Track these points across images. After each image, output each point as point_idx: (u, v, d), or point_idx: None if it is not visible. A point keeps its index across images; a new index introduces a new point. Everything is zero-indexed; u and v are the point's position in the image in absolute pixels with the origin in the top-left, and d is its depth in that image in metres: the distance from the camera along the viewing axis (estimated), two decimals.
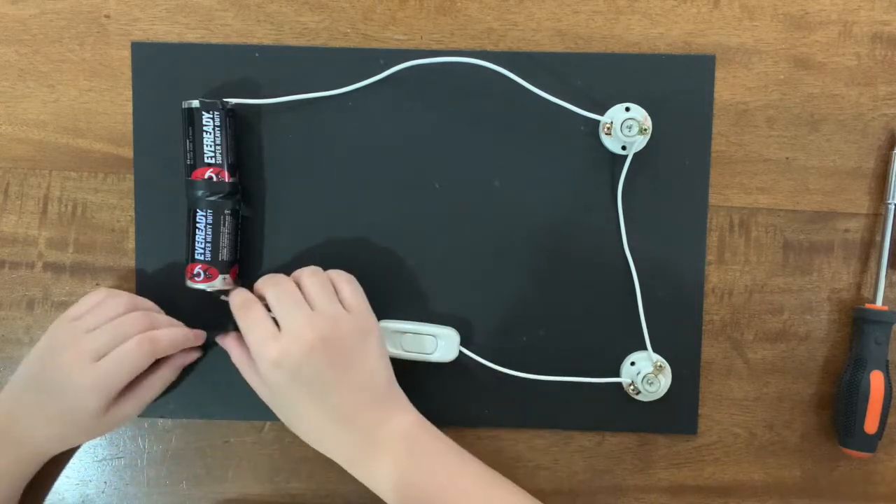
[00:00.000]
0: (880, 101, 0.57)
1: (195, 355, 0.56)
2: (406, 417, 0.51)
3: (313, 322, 0.49)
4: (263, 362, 0.49)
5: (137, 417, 0.58)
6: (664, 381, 0.56)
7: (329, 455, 0.51)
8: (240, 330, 0.52)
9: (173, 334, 0.52)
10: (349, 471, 0.50)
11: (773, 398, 0.58)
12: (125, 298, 0.53)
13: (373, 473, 0.49)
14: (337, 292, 0.52)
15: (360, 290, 0.53)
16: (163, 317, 0.54)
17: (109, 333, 0.50)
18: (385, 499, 0.49)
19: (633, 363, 0.56)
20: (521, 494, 0.50)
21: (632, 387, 0.56)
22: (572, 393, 0.57)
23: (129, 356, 0.50)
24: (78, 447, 0.56)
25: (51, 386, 0.50)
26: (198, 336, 0.54)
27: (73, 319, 0.52)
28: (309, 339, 0.48)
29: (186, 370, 0.57)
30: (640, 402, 0.57)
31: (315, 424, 0.50)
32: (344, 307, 0.51)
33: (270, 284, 0.51)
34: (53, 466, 0.54)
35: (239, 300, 0.52)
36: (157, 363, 0.53)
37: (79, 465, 0.58)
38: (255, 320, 0.51)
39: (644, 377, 0.55)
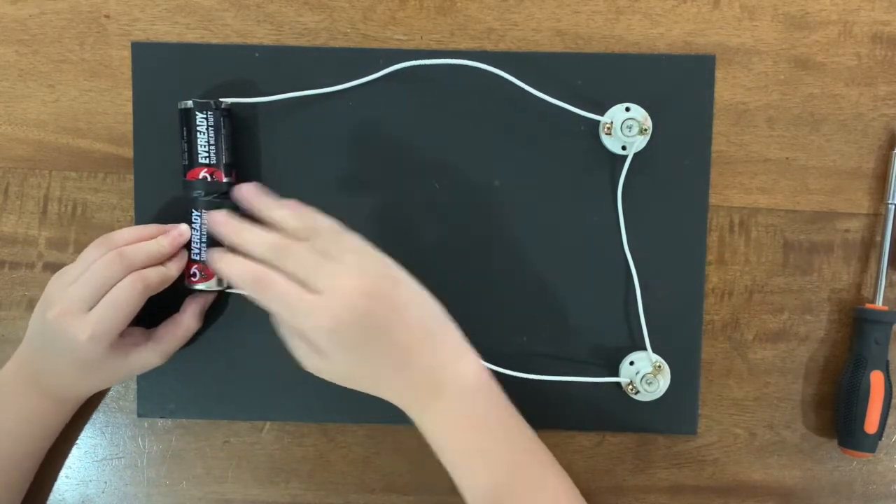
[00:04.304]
0: (880, 101, 0.57)
1: (211, 297, 0.56)
2: (468, 367, 0.48)
3: (348, 278, 0.45)
4: (316, 334, 0.45)
5: (137, 417, 0.58)
6: (663, 382, 0.56)
7: (386, 399, 0.48)
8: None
9: (159, 273, 0.51)
10: (407, 413, 0.48)
11: (773, 398, 0.58)
12: (100, 243, 0.52)
13: (424, 419, 0.48)
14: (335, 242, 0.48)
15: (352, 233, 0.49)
16: (137, 248, 0.51)
17: (90, 283, 0.50)
18: (433, 446, 0.48)
19: (632, 363, 0.56)
20: (567, 485, 0.48)
21: (630, 386, 0.56)
22: (572, 393, 0.57)
23: (121, 298, 0.50)
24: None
25: (54, 342, 0.51)
26: (176, 237, 0.53)
27: (63, 274, 0.52)
28: (351, 297, 0.45)
29: (186, 371, 0.57)
30: (640, 402, 0.57)
31: (370, 373, 0.48)
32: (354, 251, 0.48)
33: (282, 254, 0.47)
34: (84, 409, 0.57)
35: (249, 276, 0.47)
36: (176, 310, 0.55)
37: (79, 465, 0.58)
38: (282, 294, 0.46)
39: (643, 377, 0.55)
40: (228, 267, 0.48)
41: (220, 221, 0.50)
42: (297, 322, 0.46)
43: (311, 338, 0.46)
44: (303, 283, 0.46)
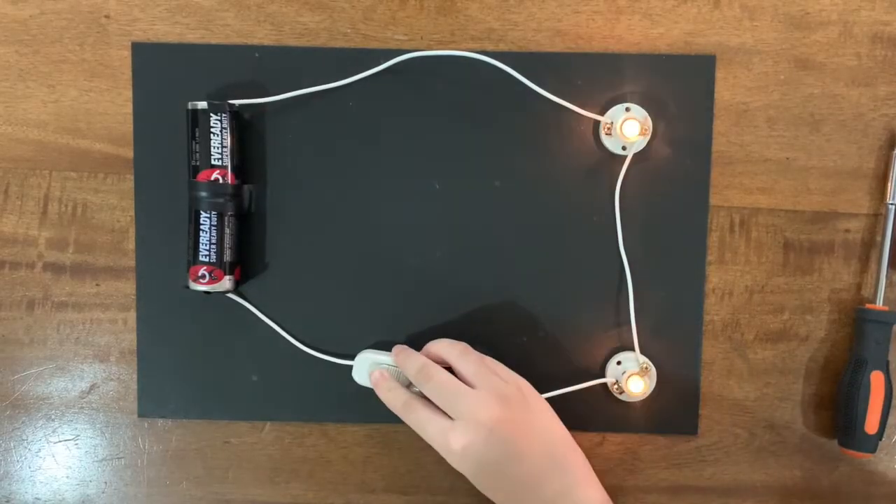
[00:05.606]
0: (880, 101, 0.57)
1: None
2: (592, 495, 0.51)
3: (483, 404, 0.49)
4: (449, 455, 0.50)
5: (137, 417, 0.58)
6: (649, 383, 0.56)
7: None
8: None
9: None
10: None
11: (773, 398, 0.58)
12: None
13: None
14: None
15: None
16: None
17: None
18: None
19: (619, 362, 0.56)
20: None
21: (615, 386, 0.56)
22: (572, 393, 0.57)
23: None
24: None
25: None
26: None
27: None
28: (484, 423, 0.49)
29: (186, 371, 0.57)
30: (640, 402, 0.56)
31: (501, 492, 0.51)
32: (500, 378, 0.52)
33: (424, 378, 0.51)
34: None
35: (400, 401, 0.52)
36: None
37: (79, 465, 0.58)
38: (423, 418, 0.51)
39: (629, 377, 0.55)
40: (385, 393, 0.54)
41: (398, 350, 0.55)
42: (430, 442, 0.51)
43: (444, 456, 0.50)
44: (443, 407, 0.51)
